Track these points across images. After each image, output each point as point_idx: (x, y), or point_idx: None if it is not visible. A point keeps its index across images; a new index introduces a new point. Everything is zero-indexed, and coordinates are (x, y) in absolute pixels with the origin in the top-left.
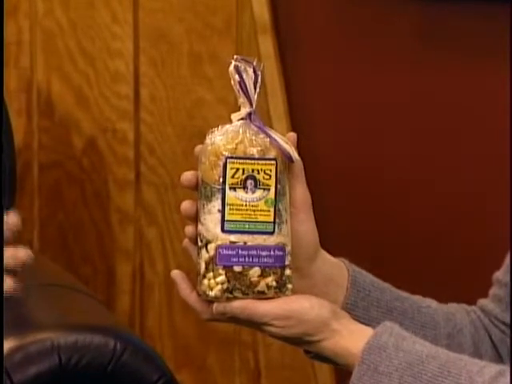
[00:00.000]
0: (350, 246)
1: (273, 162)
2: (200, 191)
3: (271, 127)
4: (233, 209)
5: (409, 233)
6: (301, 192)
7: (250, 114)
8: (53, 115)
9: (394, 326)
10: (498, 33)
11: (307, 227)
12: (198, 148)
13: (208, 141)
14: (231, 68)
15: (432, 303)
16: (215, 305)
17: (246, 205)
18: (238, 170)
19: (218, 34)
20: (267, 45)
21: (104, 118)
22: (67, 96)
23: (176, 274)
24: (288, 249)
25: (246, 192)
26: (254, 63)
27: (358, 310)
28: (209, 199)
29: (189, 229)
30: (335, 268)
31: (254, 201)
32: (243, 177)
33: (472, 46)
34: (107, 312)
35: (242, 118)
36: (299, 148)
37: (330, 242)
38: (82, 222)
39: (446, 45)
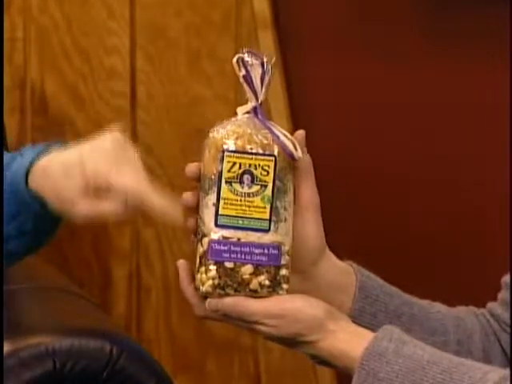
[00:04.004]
0: (350, 247)
1: (271, 158)
2: (200, 184)
3: None
4: (227, 203)
5: (410, 233)
6: (307, 191)
7: (255, 108)
8: (47, 113)
9: (394, 329)
10: (501, 31)
11: (312, 228)
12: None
13: (211, 133)
14: (235, 60)
15: (441, 308)
16: (208, 300)
17: (240, 200)
18: (234, 163)
19: (216, 30)
20: (268, 41)
21: (99, 116)
22: (62, 93)
23: (181, 263)
24: (285, 248)
25: (242, 187)
26: (263, 57)
27: (366, 315)
28: (206, 192)
29: (190, 221)
30: (342, 273)
31: (249, 196)
32: (240, 171)
33: (475, 45)
34: (103, 315)
35: (247, 112)
36: None
37: (330, 243)
38: (76, 223)
39: (449, 44)
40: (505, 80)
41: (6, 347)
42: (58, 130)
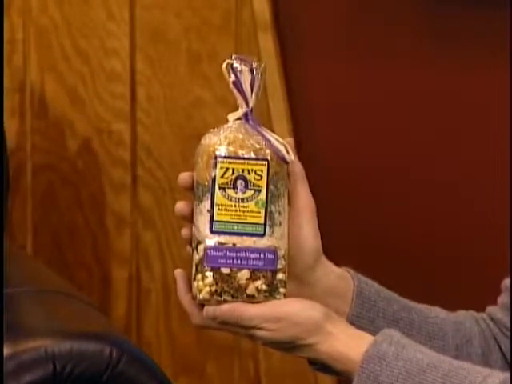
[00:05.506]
0: (352, 249)
1: (264, 162)
2: (194, 192)
3: (271, 127)
4: (222, 209)
5: (409, 235)
6: (302, 196)
7: (246, 114)
8: (46, 116)
9: (394, 333)
10: (501, 31)
11: (307, 233)
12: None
13: (203, 141)
14: (224, 66)
15: (440, 313)
16: (205, 308)
17: (235, 205)
18: (227, 169)
19: (216, 32)
20: (268, 42)
21: (99, 118)
22: (61, 96)
23: (178, 272)
24: (281, 252)
25: (236, 192)
26: (253, 63)
27: (364, 321)
28: (200, 199)
29: (185, 231)
30: (340, 279)
31: (243, 201)
32: (233, 177)
33: (475, 45)
34: (103, 318)
35: (238, 118)
36: (300, 148)
37: (330, 244)
38: (76, 225)
39: (449, 44)
40: (505, 80)
41: (6, 350)
42: (58, 132)
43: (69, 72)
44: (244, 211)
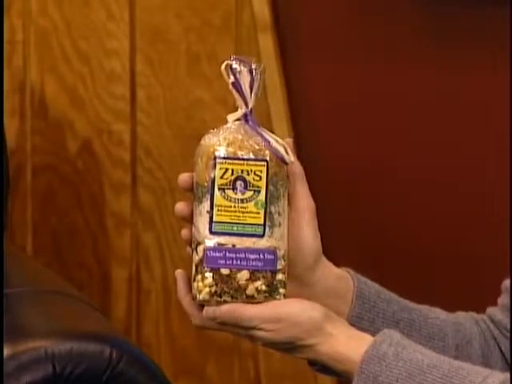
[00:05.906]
0: (352, 249)
1: (263, 163)
2: (194, 192)
3: (271, 128)
4: (221, 210)
5: (409, 236)
6: (302, 197)
7: (245, 115)
8: (47, 116)
9: (394, 333)
10: (501, 31)
11: (307, 234)
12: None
13: (202, 141)
14: (223, 67)
15: (440, 314)
16: (205, 308)
17: (234, 206)
18: (227, 170)
19: (216, 32)
20: (267, 43)
21: (99, 119)
22: (61, 96)
23: (179, 273)
24: (281, 253)
25: (236, 193)
26: (252, 64)
27: (364, 322)
28: (200, 200)
29: (185, 232)
30: (340, 280)
31: (243, 202)
32: (232, 177)
33: (475, 45)
34: (103, 319)
35: (238, 119)
36: (300, 148)
37: (330, 245)
38: (76, 226)
39: (449, 45)
40: (505, 80)
41: (6, 351)
42: (58, 132)
43: (69, 73)
44: (243, 212)
